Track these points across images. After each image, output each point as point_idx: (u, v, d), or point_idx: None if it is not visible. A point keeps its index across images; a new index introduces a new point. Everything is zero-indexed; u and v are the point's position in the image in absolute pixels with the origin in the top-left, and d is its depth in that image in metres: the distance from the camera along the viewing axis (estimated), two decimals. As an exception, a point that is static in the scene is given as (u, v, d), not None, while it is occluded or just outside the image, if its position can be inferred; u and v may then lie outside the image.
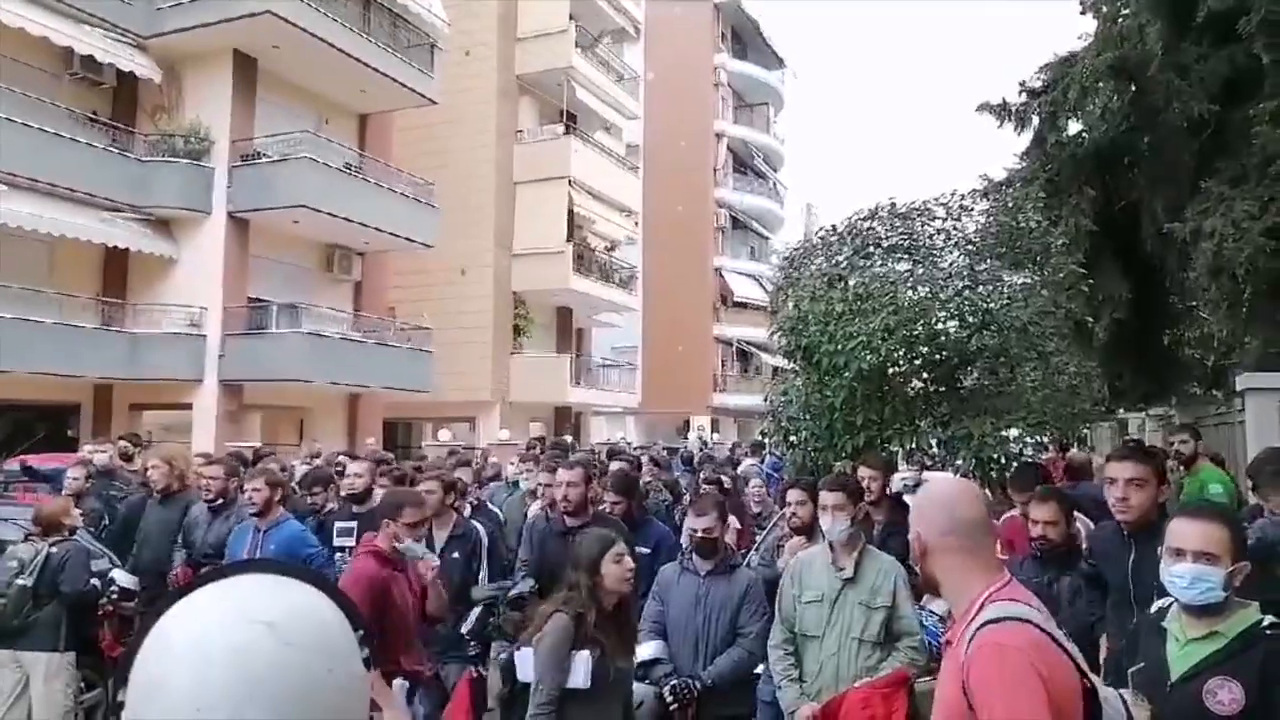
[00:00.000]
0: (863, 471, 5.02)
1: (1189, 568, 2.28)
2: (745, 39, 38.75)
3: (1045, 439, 7.74)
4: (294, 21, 15.46)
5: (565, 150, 22.87)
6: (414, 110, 19.67)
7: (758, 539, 6.34)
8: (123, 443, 9.11)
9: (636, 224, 27.28)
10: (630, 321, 29.02)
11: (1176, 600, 2.36)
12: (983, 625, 1.77)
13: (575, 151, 23.05)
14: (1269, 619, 2.24)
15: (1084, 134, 10.54)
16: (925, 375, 7.15)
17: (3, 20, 12.99)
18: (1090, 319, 9.24)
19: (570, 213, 22.88)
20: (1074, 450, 8.61)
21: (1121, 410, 14.98)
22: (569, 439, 16.36)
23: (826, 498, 3.87)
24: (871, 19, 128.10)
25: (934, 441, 6.89)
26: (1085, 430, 12.19)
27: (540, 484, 6.02)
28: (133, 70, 15.13)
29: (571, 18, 22.83)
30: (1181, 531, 2.35)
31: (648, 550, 5.00)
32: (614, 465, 6.55)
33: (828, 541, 3.87)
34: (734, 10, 36.88)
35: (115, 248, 15.08)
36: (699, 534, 4.11)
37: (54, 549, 5.04)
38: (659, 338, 31.95)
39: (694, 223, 34.40)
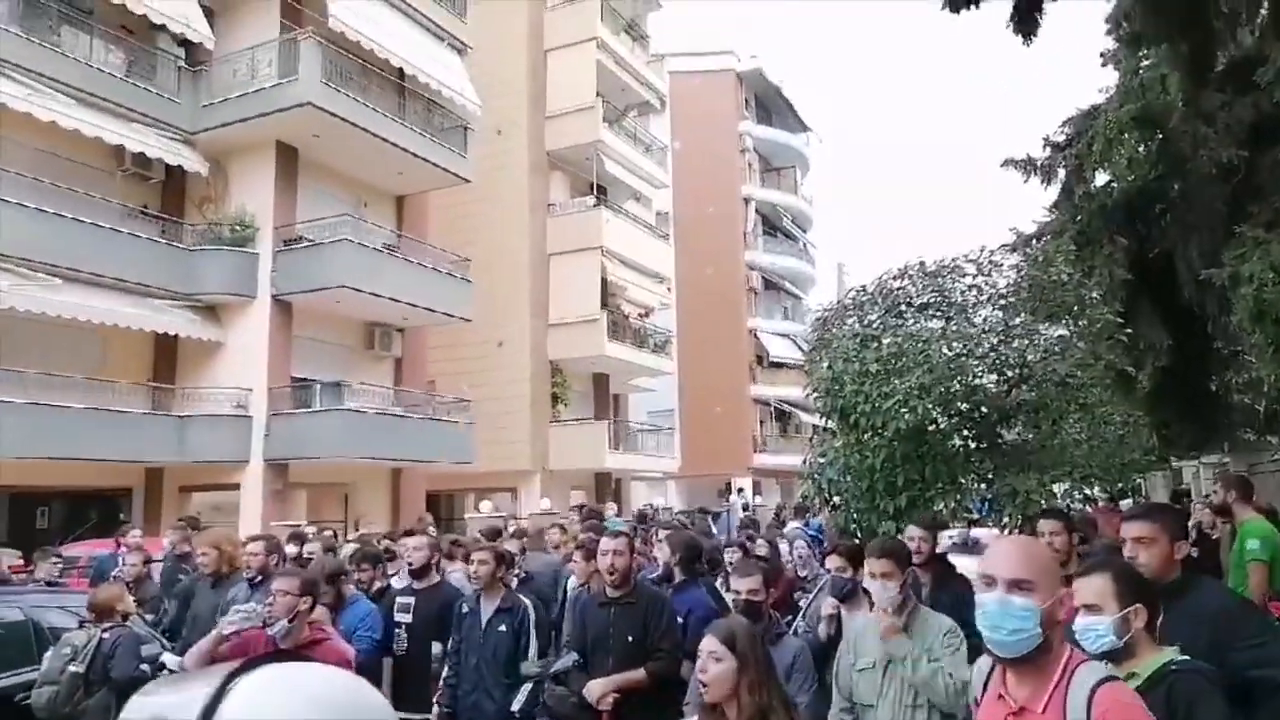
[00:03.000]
0: (911, 531, 4.96)
1: (1078, 622, 2.39)
2: (768, 105, 39.46)
3: (1093, 492, 7.59)
4: (333, 111, 16.09)
5: (597, 221, 23.28)
6: (449, 189, 20.21)
7: (802, 604, 6.25)
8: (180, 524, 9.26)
9: (669, 289, 27.52)
10: (666, 385, 29.05)
11: None
12: (1097, 687, 1.88)
13: (606, 222, 23.44)
14: (1181, 659, 2.33)
15: (1112, 184, 10.55)
16: (965, 432, 7.09)
17: (59, 123, 13.68)
18: (1132, 368, 9.12)
19: (603, 281, 23.18)
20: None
21: (1174, 459, 14.61)
22: (609, 506, 16.31)
23: (874, 565, 3.77)
24: (891, 81, 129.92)
25: (978, 499, 6.79)
26: (1139, 480, 11.92)
27: (576, 560, 5.99)
28: (181, 164, 15.79)
29: (598, 94, 23.45)
30: (1074, 588, 2.45)
31: (680, 619, 4.98)
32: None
33: (879, 608, 3.80)
34: (756, 78, 37.66)
35: (165, 334, 15.57)
36: (744, 595, 4.08)
37: (106, 635, 5.09)
38: (696, 401, 31.91)
39: (726, 286, 34.63)
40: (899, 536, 4.88)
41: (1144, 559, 3.09)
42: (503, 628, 4.97)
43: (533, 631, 5.04)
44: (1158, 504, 4.44)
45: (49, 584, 7.94)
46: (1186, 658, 2.35)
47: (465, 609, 5.16)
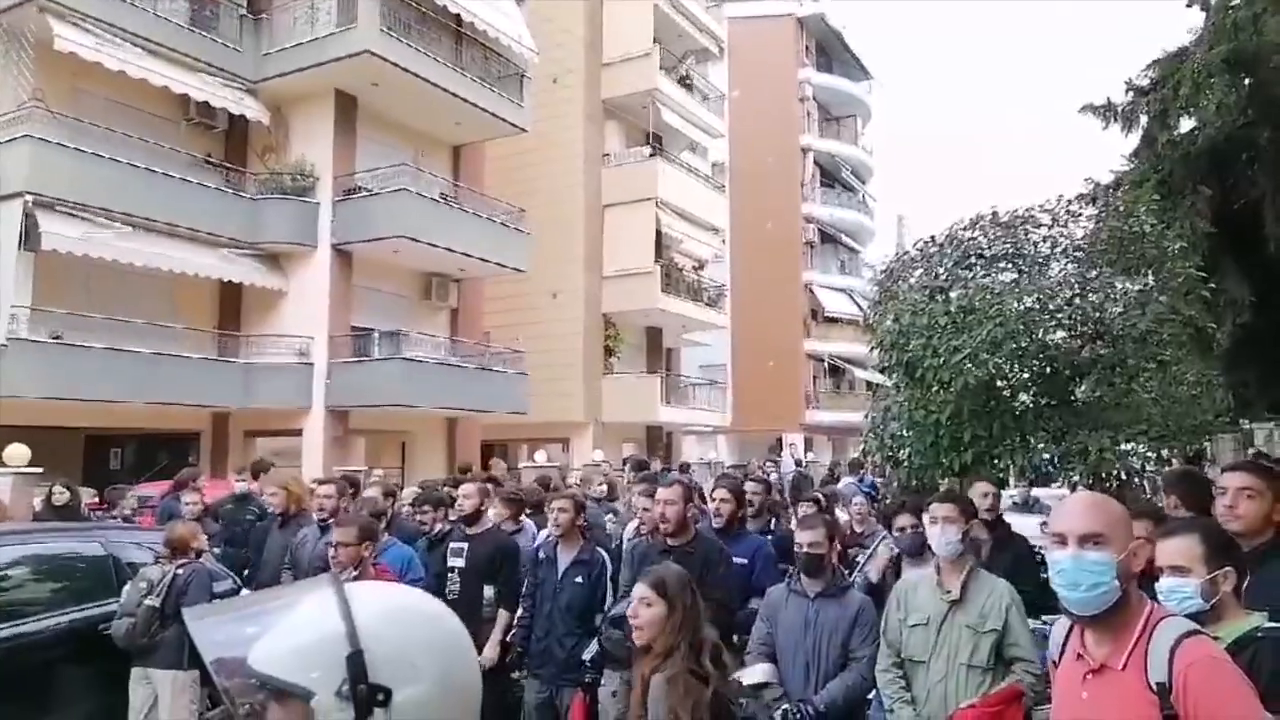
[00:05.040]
0: (982, 487, 4.84)
1: (1164, 582, 2.34)
2: (830, 52, 38.41)
3: (1167, 452, 7.34)
4: (391, 60, 16.05)
5: (652, 172, 23.01)
6: (504, 139, 20.12)
7: (860, 559, 6.21)
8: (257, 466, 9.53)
9: (724, 242, 27.21)
10: (719, 339, 28.89)
11: None
12: (1179, 641, 1.82)
13: (662, 172, 23.16)
14: (1269, 624, 2.25)
15: (1197, 131, 10.04)
16: (1034, 388, 6.88)
17: (128, 73, 13.90)
18: (1212, 325, 8.76)
19: (658, 233, 22.98)
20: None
21: (1247, 421, 14.13)
22: (654, 462, 16.39)
23: (937, 509, 3.73)
24: (959, 26, 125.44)
25: (1047, 457, 6.61)
26: (1206, 442, 11.52)
27: (639, 507, 6.02)
28: (243, 114, 15.95)
29: (656, 40, 23.02)
30: (1158, 549, 2.37)
31: (744, 560, 4.98)
32: (751, 485, 6.50)
33: (935, 561, 3.74)
34: (817, 24, 36.63)
35: (230, 282, 15.89)
36: (805, 548, 4.05)
37: (180, 571, 5.27)
38: (749, 355, 31.72)
39: (782, 238, 34.14)
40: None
41: (1244, 510, 2.96)
42: (579, 579, 4.96)
43: (609, 584, 5.04)
44: (1262, 463, 4.24)
45: (125, 519, 8.25)
46: (1275, 624, 2.27)
47: (543, 556, 5.19)
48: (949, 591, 3.57)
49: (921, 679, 3.54)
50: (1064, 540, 1.99)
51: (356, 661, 0.96)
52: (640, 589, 2.91)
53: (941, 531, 3.65)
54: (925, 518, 3.94)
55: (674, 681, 2.71)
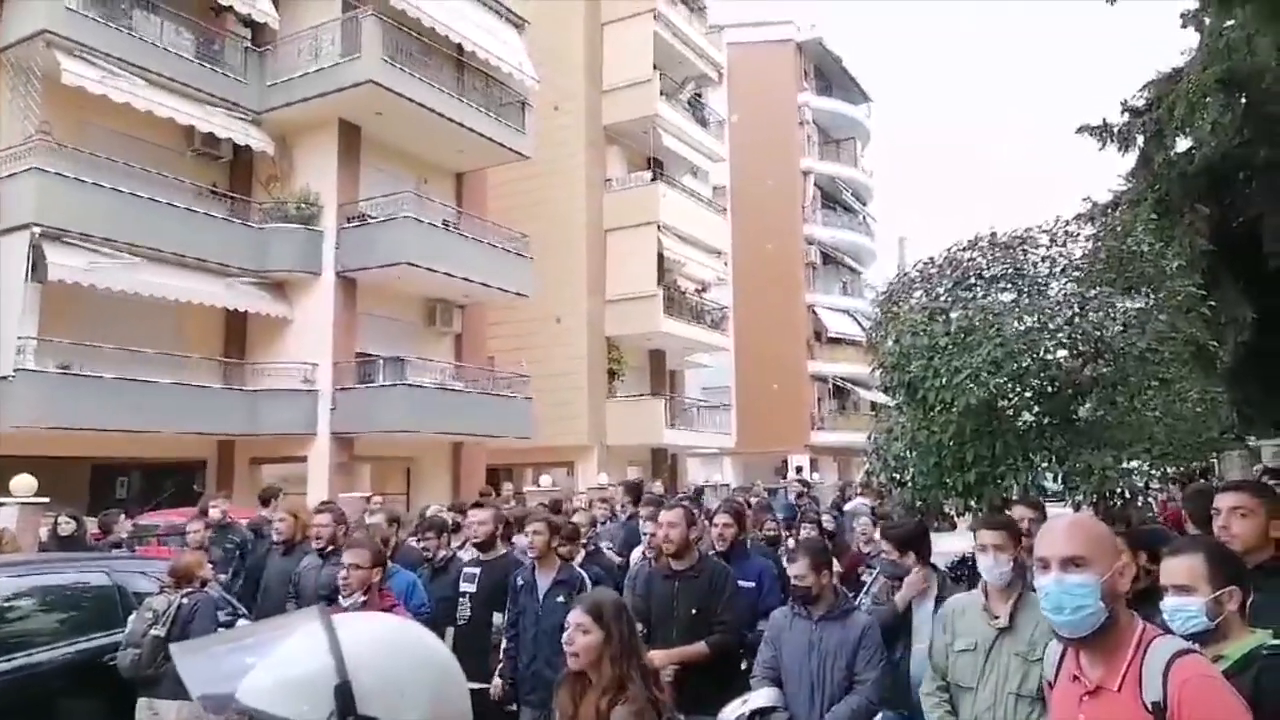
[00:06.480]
0: (1020, 511, 4.80)
1: (1168, 601, 2.33)
2: (829, 75, 38.75)
3: (1172, 471, 7.33)
4: (395, 89, 16.21)
5: (653, 196, 23.16)
6: (506, 165, 20.26)
7: (866, 580, 6.20)
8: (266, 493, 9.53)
9: (726, 264, 27.32)
10: (723, 361, 28.92)
11: None
12: (1173, 660, 1.83)
13: (663, 197, 23.32)
14: (1273, 643, 2.24)
15: (1194, 150, 10.12)
16: (1036, 408, 6.90)
17: (133, 105, 14.07)
18: (1214, 343, 8.77)
19: (660, 257, 23.10)
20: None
21: (1253, 438, 14.11)
22: (655, 484, 16.34)
23: (986, 537, 3.57)
24: (955, 48, 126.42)
25: (1051, 477, 6.61)
26: (1213, 460, 11.49)
27: (644, 531, 6.02)
28: (248, 144, 16.10)
29: (655, 67, 23.25)
30: (1163, 568, 2.39)
31: (751, 583, 4.99)
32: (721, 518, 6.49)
33: (982, 586, 3.66)
34: (816, 48, 36.99)
35: (236, 310, 15.96)
36: (792, 580, 4.06)
37: (185, 600, 5.25)
38: (752, 377, 31.74)
39: (784, 260, 34.28)
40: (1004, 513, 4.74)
41: (1238, 530, 2.97)
42: (561, 599, 4.92)
43: None
44: (1255, 480, 4.26)
45: (130, 542, 8.23)
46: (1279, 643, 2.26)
47: (520, 581, 5.17)
48: (997, 618, 3.46)
49: (969, 706, 3.43)
50: (1047, 565, 2.01)
51: (344, 692, 0.95)
52: (576, 615, 2.88)
53: (994, 561, 3.52)
54: (973, 545, 3.85)
55: (640, 716, 2.68)
